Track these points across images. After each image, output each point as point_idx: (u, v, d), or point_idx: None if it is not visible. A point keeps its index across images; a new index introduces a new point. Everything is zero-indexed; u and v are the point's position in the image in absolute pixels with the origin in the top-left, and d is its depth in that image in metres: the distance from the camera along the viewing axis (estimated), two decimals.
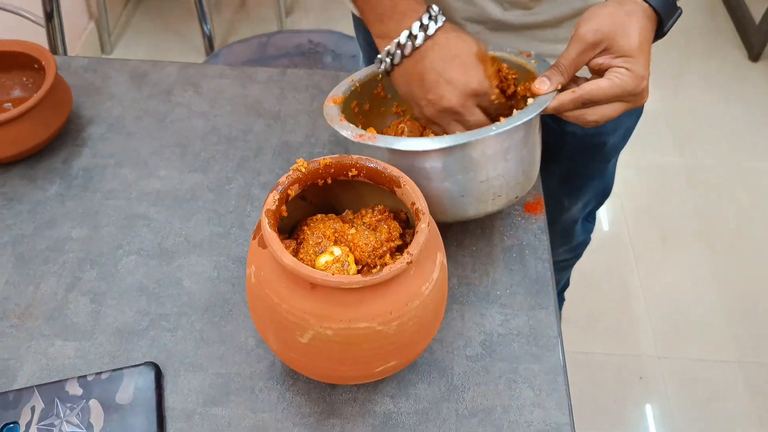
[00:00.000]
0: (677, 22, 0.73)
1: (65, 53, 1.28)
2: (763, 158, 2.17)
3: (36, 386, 0.66)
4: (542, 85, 0.71)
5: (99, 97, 0.98)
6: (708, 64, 2.49)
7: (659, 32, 0.72)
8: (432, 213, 0.72)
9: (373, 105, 0.85)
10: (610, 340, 1.74)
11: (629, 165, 2.12)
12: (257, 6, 2.64)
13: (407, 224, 0.68)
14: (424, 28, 0.70)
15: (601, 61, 0.70)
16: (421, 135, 0.82)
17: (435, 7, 0.72)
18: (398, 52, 0.71)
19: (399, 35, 0.71)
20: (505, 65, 0.78)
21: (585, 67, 0.72)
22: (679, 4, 0.73)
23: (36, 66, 0.92)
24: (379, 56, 0.74)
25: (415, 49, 0.71)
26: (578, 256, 1.45)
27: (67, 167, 0.89)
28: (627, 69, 0.68)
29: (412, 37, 0.70)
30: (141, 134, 0.93)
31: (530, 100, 0.71)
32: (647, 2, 0.70)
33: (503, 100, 0.75)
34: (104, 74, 1.01)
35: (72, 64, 1.02)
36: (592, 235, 1.43)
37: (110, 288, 0.76)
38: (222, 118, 0.95)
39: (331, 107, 0.77)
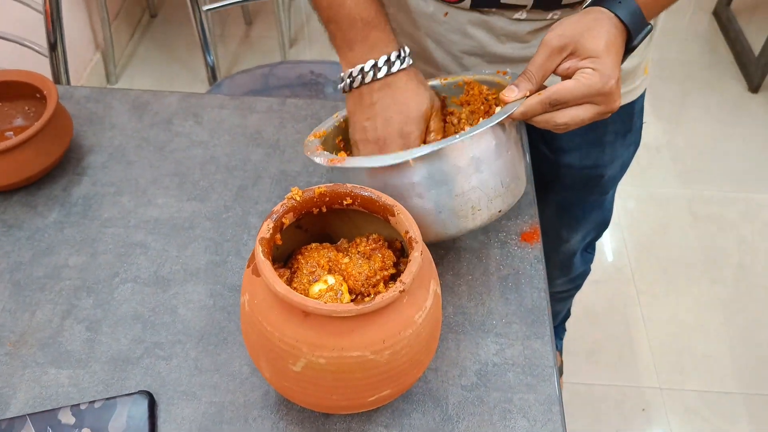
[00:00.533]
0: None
1: (68, 83, 1.29)
2: (764, 190, 2.17)
3: (29, 415, 0.66)
4: (510, 92, 0.70)
5: (100, 126, 0.99)
6: (708, 96, 2.50)
7: (629, 46, 0.72)
8: None
9: None
10: (612, 371, 1.73)
11: (631, 196, 2.13)
12: (261, 37, 2.68)
13: (402, 253, 0.68)
14: (389, 63, 0.74)
15: (567, 65, 0.70)
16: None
17: (406, 48, 0.76)
18: (359, 77, 0.75)
19: (365, 62, 0.75)
20: (485, 87, 0.79)
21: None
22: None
23: (38, 95, 0.93)
24: (341, 75, 0.77)
25: (375, 79, 0.74)
26: (578, 287, 1.45)
27: (66, 195, 0.89)
28: (593, 69, 0.67)
29: (376, 67, 0.74)
30: (141, 163, 0.94)
31: (497, 108, 0.71)
32: (614, 12, 0.70)
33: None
34: (106, 104, 1.02)
35: (75, 93, 1.03)
36: (594, 266, 1.43)
37: (106, 316, 0.76)
38: (221, 147, 0.96)
39: (311, 140, 0.78)
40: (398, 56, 0.75)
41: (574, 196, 1.13)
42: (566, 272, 1.35)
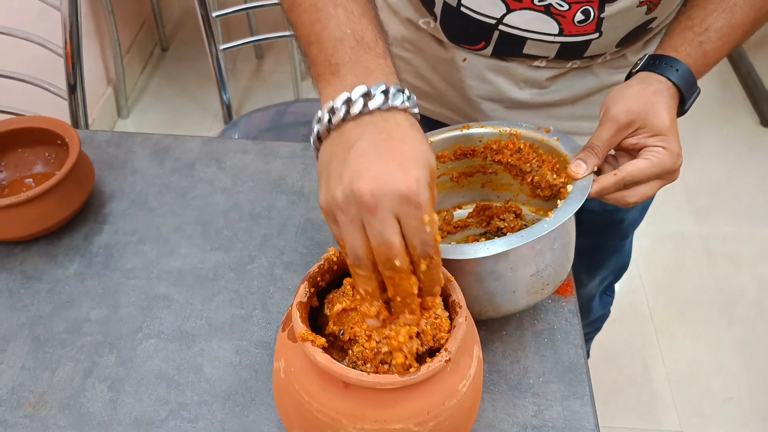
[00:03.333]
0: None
1: (86, 126, 1.28)
2: None
3: None
4: (579, 168, 0.70)
5: (121, 171, 0.97)
6: (721, 132, 2.49)
7: (680, 110, 0.73)
8: (483, 310, 0.70)
9: None
10: (632, 414, 1.69)
11: (646, 235, 2.10)
12: (273, 72, 2.67)
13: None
14: (386, 93, 0.53)
15: (634, 141, 0.70)
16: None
17: (407, 91, 0.55)
18: (343, 107, 0.53)
19: (352, 90, 0.53)
20: (521, 143, 0.77)
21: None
22: None
23: (59, 142, 0.91)
24: (318, 113, 0.55)
25: (364, 110, 0.53)
26: (597, 329, 1.43)
27: (87, 244, 0.87)
28: (663, 147, 0.68)
29: (368, 95, 0.53)
30: (163, 210, 0.92)
31: (569, 186, 0.69)
32: (671, 81, 0.70)
33: (438, 240, 0.52)
34: (127, 148, 1.01)
35: (95, 138, 1.02)
36: (611, 307, 1.40)
37: (129, 374, 0.73)
38: (244, 194, 0.94)
39: None
40: (400, 91, 0.54)
41: (595, 241, 1.12)
42: (585, 316, 1.33)
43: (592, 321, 1.37)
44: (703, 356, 1.81)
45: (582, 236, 1.07)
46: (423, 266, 0.52)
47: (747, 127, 2.50)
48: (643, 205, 1.10)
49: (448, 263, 0.63)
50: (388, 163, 0.49)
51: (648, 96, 0.69)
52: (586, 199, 0.69)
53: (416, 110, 0.55)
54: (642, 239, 2.08)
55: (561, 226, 0.67)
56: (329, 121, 0.53)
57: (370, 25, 0.58)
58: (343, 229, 0.51)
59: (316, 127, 0.55)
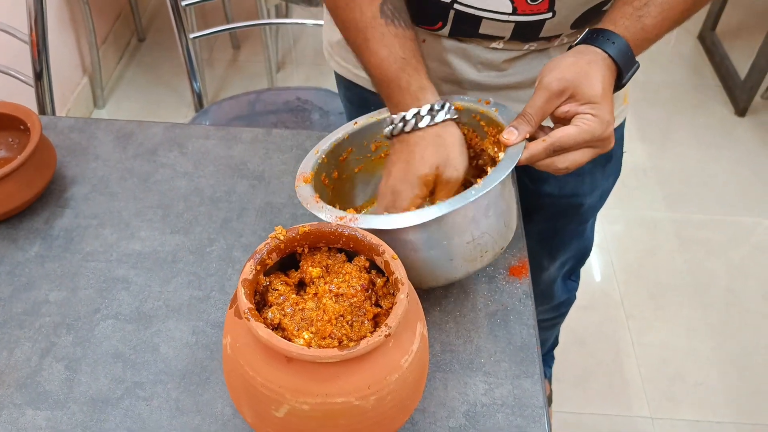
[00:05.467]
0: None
1: (53, 112, 1.28)
2: (752, 213, 2.18)
3: None
4: (511, 135, 0.71)
5: (84, 157, 0.97)
6: (695, 120, 2.52)
7: (618, 84, 0.73)
8: (422, 280, 0.72)
9: (340, 171, 0.85)
10: (602, 399, 1.71)
11: (618, 220, 2.12)
12: (249, 62, 2.67)
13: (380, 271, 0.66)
14: (431, 112, 0.74)
15: (566, 108, 0.71)
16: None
17: (447, 103, 0.76)
18: (413, 121, 0.73)
19: (420, 106, 0.74)
20: (466, 128, 0.80)
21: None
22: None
23: (21, 127, 0.91)
24: (393, 117, 0.75)
25: (432, 124, 0.73)
26: (563, 314, 1.44)
27: (48, 228, 0.88)
28: (593, 115, 0.69)
29: (433, 111, 0.74)
30: (124, 195, 0.92)
31: (501, 154, 0.71)
32: (606, 53, 0.71)
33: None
34: (90, 134, 1.01)
35: (59, 124, 1.02)
36: (582, 291, 1.42)
37: (85, 354, 0.74)
38: (206, 178, 0.95)
39: (303, 187, 0.76)
40: (441, 108, 0.74)
41: (554, 225, 1.13)
42: (547, 300, 1.34)
43: (557, 305, 1.38)
44: (674, 341, 1.84)
45: (541, 220, 1.10)
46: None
47: (721, 116, 2.53)
48: (603, 191, 1.11)
49: (382, 233, 0.65)
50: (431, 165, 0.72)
51: (582, 65, 0.70)
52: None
53: (456, 116, 0.75)
54: (614, 225, 2.11)
55: (494, 192, 0.68)
56: (402, 128, 0.74)
57: (417, 50, 0.77)
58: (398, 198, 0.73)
59: (390, 128, 0.76)
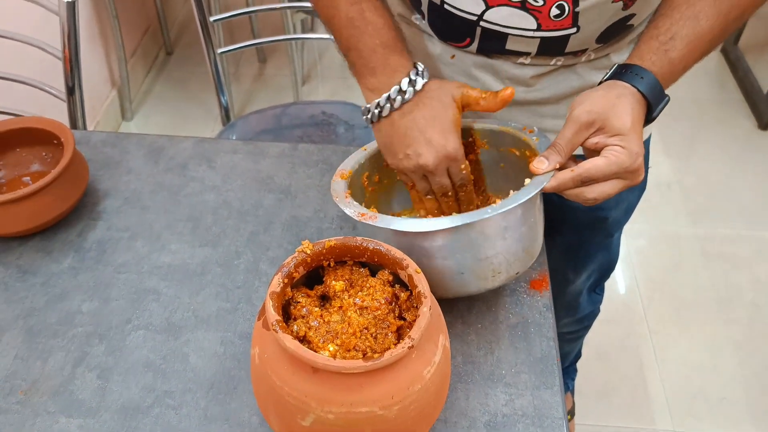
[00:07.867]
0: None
1: (84, 127, 1.32)
2: None
3: None
4: (540, 164, 0.73)
5: (116, 170, 1.00)
6: (718, 134, 2.50)
7: (649, 117, 0.74)
8: (433, 289, 0.73)
9: (382, 176, 0.87)
10: (625, 413, 1.71)
11: (642, 235, 2.12)
12: (275, 75, 2.71)
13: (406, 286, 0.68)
14: (412, 83, 0.76)
15: (596, 140, 0.72)
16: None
17: (420, 65, 0.78)
18: (387, 105, 0.76)
19: (389, 89, 0.76)
20: (478, 134, 0.84)
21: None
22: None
23: (55, 141, 0.95)
24: (367, 106, 0.78)
25: (404, 102, 0.76)
26: (587, 327, 1.44)
27: (81, 240, 0.91)
28: (622, 147, 0.70)
29: (401, 92, 0.76)
30: (155, 208, 0.95)
31: (527, 180, 0.72)
32: (635, 87, 0.72)
33: (471, 176, 0.81)
34: (122, 148, 1.04)
35: (91, 138, 1.05)
36: (606, 305, 1.42)
37: (117, 363, 0.77)
38: (234, 192, 0.97)
39: (338, 182, 0.79)
40: (417, 72, 0.77)
41: (579, 238, 1.14)
42: (572, 313, 1.34)
43: (581, 318, 1.38)
44: (698, 356, 1.82)
45: (567, 233, 1.11)
46: (462, 192, 0.81)
47: (744, 130, 2.52)
48: (628, 205, 1.12)
49: (398, 235, 0.68)
50: (433, 138, 0.75)
51: (610, 98, 0.71)
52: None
53: (428, 73, 0.78)
54: (638, 239, 2.10)
55: (513, 215, 0.69)
56: (379, 114, 0.77)
57: (392, 32, 0.78)
58: (416, 181, 0.80)
59: (367, 116, 0.79)
